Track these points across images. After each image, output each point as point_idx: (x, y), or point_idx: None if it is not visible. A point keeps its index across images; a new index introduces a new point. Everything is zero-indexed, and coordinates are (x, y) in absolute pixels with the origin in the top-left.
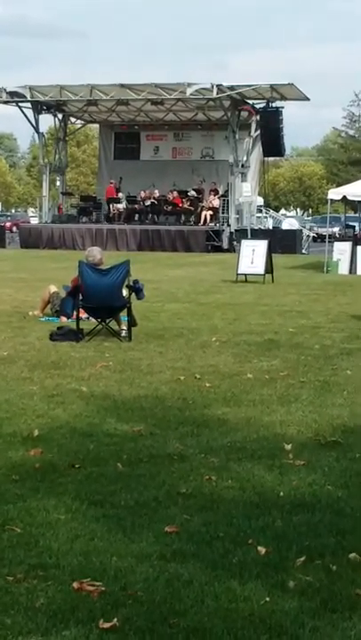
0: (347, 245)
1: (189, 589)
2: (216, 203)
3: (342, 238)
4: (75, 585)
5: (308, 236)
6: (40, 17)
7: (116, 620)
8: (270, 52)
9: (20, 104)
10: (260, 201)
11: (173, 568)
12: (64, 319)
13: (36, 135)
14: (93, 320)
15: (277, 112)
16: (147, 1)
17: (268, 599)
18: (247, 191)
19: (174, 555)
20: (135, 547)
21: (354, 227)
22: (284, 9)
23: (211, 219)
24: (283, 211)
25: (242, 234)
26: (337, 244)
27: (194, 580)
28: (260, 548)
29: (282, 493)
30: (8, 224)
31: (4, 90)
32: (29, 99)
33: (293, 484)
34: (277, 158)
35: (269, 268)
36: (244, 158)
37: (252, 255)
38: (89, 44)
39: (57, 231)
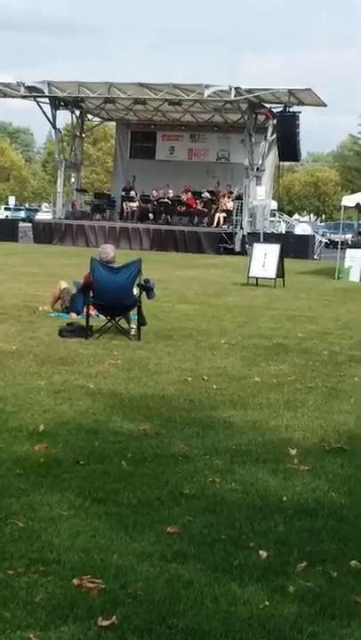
0: (359, 253)
1: (189, 590)
2: (230, 205)
3: (355, 245)
4: (75, 581)
5: (321, 241)
6: (56, 12)
7: (114, 617)
8: (285, 56)
9: (37, 99)
10: (274, 205)
11: (174, 568)
12: (74, 315)
13: (52, 131)
14: (103, 317)
15: (294, 117)
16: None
17: (267, 603)
18: (261, 195)
19: (175, 555)
20: (136, 545)
21: None
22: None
23: (224, 221)
24: (296, 215)
25: (254, 237)
26: (349, 251)
27: (194, 582)
28: (261, 551)
29: (285, 498)
30: None
31: (23, 84)
32: (47, 94)
33: (297, 490)
34: (293, 163)
35: (281, 272)
36: (260, 162)
37: (264, 259)
38: (104, 40)
39: (70, 227)
